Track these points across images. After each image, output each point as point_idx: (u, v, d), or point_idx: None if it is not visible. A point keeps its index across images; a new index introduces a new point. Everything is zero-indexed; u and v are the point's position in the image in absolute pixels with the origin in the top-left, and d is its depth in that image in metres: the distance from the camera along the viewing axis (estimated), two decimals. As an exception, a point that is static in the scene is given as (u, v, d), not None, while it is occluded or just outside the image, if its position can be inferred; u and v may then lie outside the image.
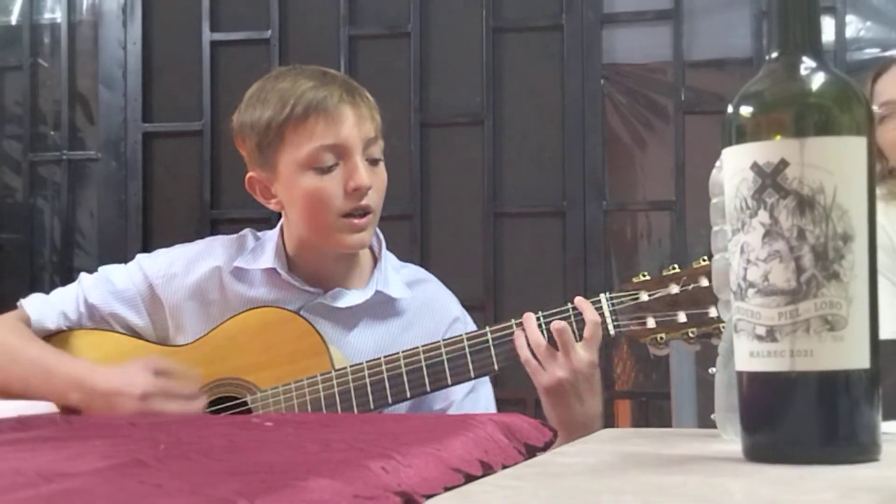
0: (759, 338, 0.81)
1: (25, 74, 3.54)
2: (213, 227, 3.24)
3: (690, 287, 1.54)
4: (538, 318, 1.59)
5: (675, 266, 1.57)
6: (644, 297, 1.57)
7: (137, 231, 3.33)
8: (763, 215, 0.81)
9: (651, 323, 1.56)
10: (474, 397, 1.75)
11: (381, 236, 1.81)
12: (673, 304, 1.55)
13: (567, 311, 1.59)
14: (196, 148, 3.34)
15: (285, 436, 1.05)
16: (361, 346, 1.74)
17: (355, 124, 1.68)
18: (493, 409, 1.80)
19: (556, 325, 1.56)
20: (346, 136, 1.67)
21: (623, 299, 1.58)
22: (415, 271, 1.86)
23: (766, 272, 0.80)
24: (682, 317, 1.55)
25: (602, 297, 1.59)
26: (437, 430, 0.95)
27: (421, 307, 1.79)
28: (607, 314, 1.58)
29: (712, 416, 0.98)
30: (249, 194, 1.78)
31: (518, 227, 3.18)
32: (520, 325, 1.60)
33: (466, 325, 1.81)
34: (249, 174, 1.75)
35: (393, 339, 1.74)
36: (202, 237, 1.91)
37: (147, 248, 1.93)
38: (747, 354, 0.82)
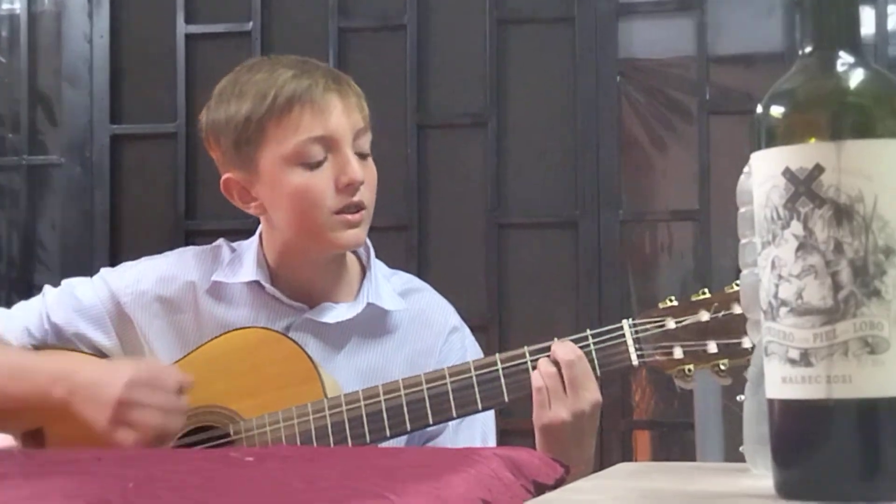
0: (793, 362, 0.81)
1: (-19, 71, 3.55)
2: (189, 239, 3.24)
3: (722, 314, 1.54)
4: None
5: (706, 290, 1.57)
6: (671, 324, 1.57)
7: (104, 244, 3.32)
8: (796, 226, 0.80)
9: (678, 353, 1.56)
10: (469, 420, 1.74)
11: (369, 243, 1.82)
12: (702, 332, 1.55)
13: (585, 338, 1.59)
14: (170, 152, 3.34)
15: (267, 472, 1.04)
16: (353, 366, 1.74)
17: (344, 114, 1.69)
18: (490, 434, 1.80)
19: (564, 357, 1.56)
20: (335, 126, 1.68)
21: (647, 326, 1.58)
22: (407, 279, 1.86)
23: (800, 289, 0.80)
24: (712, 347, 1.55)
25: (624, 323, 1.59)
26: (436, 466, 0.95)
27: (415, 320, 1.79)
28: (630, 342, 1.58)
29: (741, 449, 0.97)
30: (229, 203, 1.78)
31: (525, 239, 3.18)
32: (533, 354, 1.59)
33: (464, 336, 1.82)
34: (226, 176, 1.75)
35: (387, 359, 1.75)
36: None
37: (115, 262, 1.92)
38: (779, 380, 0.82)
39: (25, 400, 1.64)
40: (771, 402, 0.83)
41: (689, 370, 1.56)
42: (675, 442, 3.17)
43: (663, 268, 3.24)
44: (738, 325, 1.52)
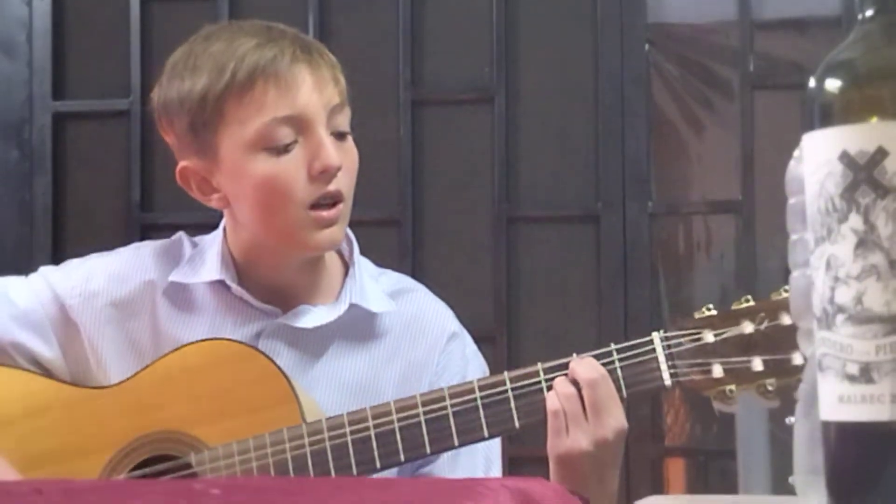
0: (851, 378, 0.81)
1: None
2: (145, 234, 3.24)
3: (768, 325, 1.55)
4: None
5: (749, 297, 1.57)
6: (709, 337, 1.57)
7: (46, 240, 3.33)
8: (855, 220, 0.81)
9: (718, 371, 1.56)
10: (470, 446, 1.74)
11: (353, 236, 1.82)
12: (746, 347, 1.55)
13: (609, 353, 1.59)
14: (122, 133, 3.34)
15: (237, 506, 1.05)
16: (335, 379, 1.74)
17: (315, 88, 1.69)
18: (495, 462, 1.80)
19: (586, 376, 1.56)
20: (305, 104, 1.68)
21: (682, 340, 1.58)
22: (397, 279, 1.87)
23: (860, 293, 0.80)
24: (757, 364, 1.55)
25: (655, 336, 1.60)
26: (434, 500, 0.95)
27: (408, 326, 1.80)
28: (661, 358, 1.58)
29: (790, 480, 0.98)
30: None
31: (538, 235, 3.18)
32: (548, 372, 1.59)
33: (465, 344, 1.82)
34: (182, 164, 1.75)
35: (376, 371, 1.75)
36: (130, 248, 1.91)
37: (59, 261, 1.92)
38: (836, 399, 0.82)
39: None
40: (826, 424, 0.83)
41: (731, 391, 1.56)
42: (713, 472, 3.17)
43: (699, 269, 3.25)
44: (787, 339, 1.52)
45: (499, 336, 3.10)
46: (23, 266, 2.95)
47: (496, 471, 1.81)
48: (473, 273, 3.15)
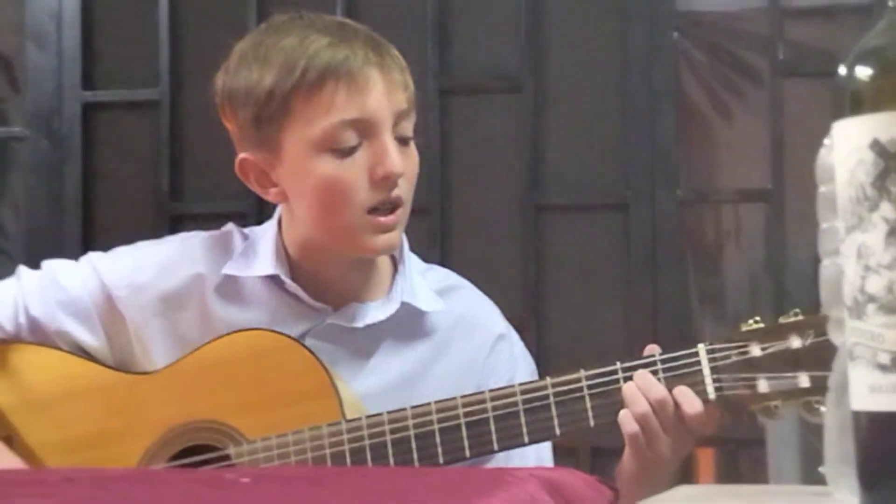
0: (883, 367, 0.80)
1: (-69, 29, 3.57)
2: (175, 224, 3.25)
3: (815, 341, 1.52)
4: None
5: (798, 311, 1.55)
6: (755, 351, 1.56)
7: (76, 230, 3.34)
8: (886, 208, 0.80)
9: (763, 387, 1.55)
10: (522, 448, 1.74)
11: (403, 235, 1.81)
12: (793, 362, 1.54)
13: (653, 363, 1.59)
14: (151, 123, 3.35)
15: (265, 496, 1.05)
16: (384, 375, 1.74)
17: (385, 93, 1.68)
18: (548, 463, 1.79)
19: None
20: (374, 108, 1.66)
21: (728, 353, 1.57)
22: (444, 275, 1.86)
23: (892, 282, 0.80)
24: (803, 380, 1.53)
25: (700, 348, 1.58)
26: (463, 489, 0.95)
27: (456, 323, 1.79)
28: (707, 372, 1.57)
29: (820, 469, 0.97)
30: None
31: (567, 223, 3.17)
32: (591, 379, 1.59)
33: (513, 344, 1.82)
34: (242, 156, 1.74)
35: (424, 368, 1.75)
36: (159, 237, 1.91)
37: (88, 250, 1.92)
38: (867, 389, 0.82)
39: None
40: (856, 414, 0.83)
41: (776, 406, 1.54)
42: (743, 461, 3.16)
43: (729, 258, 3.24)
44: (835, 355, 1.51)
45: (527, 325, 3.09)
46: (53, 255, 2.97)
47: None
48: (501, 262, 3.15)
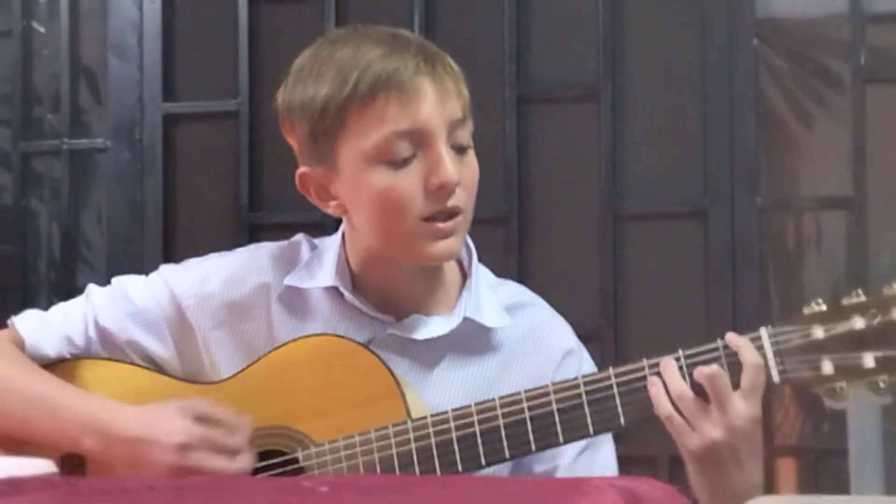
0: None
1: (16, 42, 3.59)
2: (254, 234, 3.27)
3: (880, 321, 1.52)
4: (678, 361, 1.58)
5: (860, 292, 1.55)
6: (818, 333, 1.55)
7: (156, 240, 3.37)
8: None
9: (828, 368, 1.54)
10: (589, 457, 1.74)
11: (472, 246, 1.81)
12: (857, 342, 1.53)
13: (717, 350, 1.58)
14: (230, 134, 3.37)
15: (345, 504, 1.05)
16: (446, 389, 1.74)
17: (437, 102, 1.68)
18: (613, 473, 1.78)
19: (706, 371, 1.55)
20: (427, 118, 1.66)
21: (791, 336, 1.57)
22: (516, 291, 1.86)
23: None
24: (868, 360, 1.52)
25: (763, 331, 1.58)
26: (541, 498, 0.95)
27: (524, 339, 1.79)
28: (770, 355, 1.56)
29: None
30: (300, 193, 1.79)
31: (645, 231, 3.16)
32: (654, 367, 1.59)
33: (582, 361, 1.81)
34: (301, 170, 1.76)
35: (488, 382, 1.74)
36: (239, 247, 1.93)
37: (169, 260, 1.95)
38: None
39: (51, 442, 1.68)
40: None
41: (842, 388, 1.54)
42: (824, 471, 3.13)
43: (810, 265, 3.21)
44: None
45: (606, 333, 3.09)
46: (135, 266, 3.02)
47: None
48: (580, 270, 3.14)
